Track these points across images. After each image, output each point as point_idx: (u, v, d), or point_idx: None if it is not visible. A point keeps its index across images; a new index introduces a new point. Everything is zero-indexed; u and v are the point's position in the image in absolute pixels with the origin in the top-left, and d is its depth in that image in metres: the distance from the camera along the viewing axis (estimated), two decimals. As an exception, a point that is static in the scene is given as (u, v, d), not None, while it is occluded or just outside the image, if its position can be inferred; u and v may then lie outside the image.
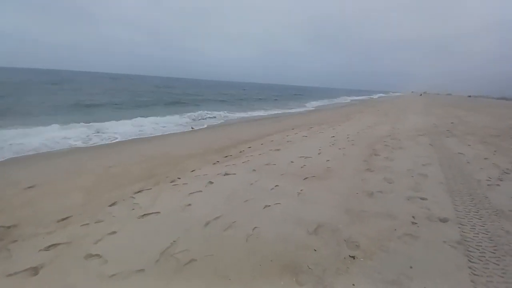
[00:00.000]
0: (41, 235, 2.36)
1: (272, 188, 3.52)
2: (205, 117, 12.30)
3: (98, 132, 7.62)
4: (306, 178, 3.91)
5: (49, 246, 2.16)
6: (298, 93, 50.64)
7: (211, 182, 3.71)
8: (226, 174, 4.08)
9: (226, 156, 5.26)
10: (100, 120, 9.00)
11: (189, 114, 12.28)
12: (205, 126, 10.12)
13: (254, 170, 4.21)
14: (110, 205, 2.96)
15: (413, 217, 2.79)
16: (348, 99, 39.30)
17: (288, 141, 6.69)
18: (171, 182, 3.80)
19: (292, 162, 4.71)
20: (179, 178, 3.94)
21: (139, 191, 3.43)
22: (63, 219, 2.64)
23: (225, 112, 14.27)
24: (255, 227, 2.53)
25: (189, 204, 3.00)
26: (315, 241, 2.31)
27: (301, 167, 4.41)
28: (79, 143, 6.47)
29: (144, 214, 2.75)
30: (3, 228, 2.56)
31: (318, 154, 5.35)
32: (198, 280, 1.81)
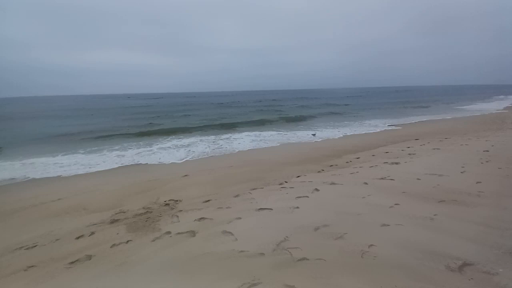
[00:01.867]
0: (194, 210, 3.27)
1: (391, 206, 3.06)
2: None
3: (228, 140, 9.60)
4: (441, 201, 3.11)
5: (200, 218, 2.95)
6: (418, 97, 40.70)
7: (317, 190, 3.72)
8: (333, 183, 3.96)
9: (331, 166, 5.10)
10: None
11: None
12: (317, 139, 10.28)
13: (365, 183, 3.83)
14: (234, 196, 3.65)
15: None
16: (505, 101, 27.36)
17: (410, 154, 5.57)
18: (279, 184, 4.16)
19: (418, 179, 3.89)
20: (286, 182, 4.24)
21: (254, 189, 4.00)
22: (206, 201, 3.53)
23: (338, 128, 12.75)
24: (371, 245, 2.30)
25: (297, 207, 3.16)
26: (459, 282, 1.80)
27: (433, 187, 3.55)
28: (211, 150, 8.41)
29: (260, 208, 3.18)
30: (174, 201, 3.74)
31: (461, 172, 4.11)
32: (312, 279, 1.89)
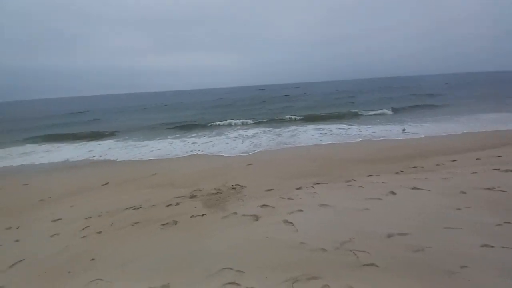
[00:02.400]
0: (258, 196, 3.47)
1: (499, 225, 2.38)
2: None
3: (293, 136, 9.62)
4: None
5: (263, 205, 3.11)
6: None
7: (393, 193, 3.27)
8: (415, 188, 3.38)
9: (414, 167, 4.35)
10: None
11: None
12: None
13: (463, 192, 3.09)
14: (296, 189, 3.64)
15: None
16: None
17: (538, 161, 4.12)
18: (345, 181, 3.86)
19: (551, 195, 2.85)
20: (354, 180, 3.90)
21: (317, 183, 3.87)
22: (269, 190, 3.68)
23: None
24: (464, 266, 1.87)
25: (367, 209, 2.87)
26: None
27: None
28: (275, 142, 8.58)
29: (323, 204, 3.06)
30: (240, 186, 4.07)
31: None
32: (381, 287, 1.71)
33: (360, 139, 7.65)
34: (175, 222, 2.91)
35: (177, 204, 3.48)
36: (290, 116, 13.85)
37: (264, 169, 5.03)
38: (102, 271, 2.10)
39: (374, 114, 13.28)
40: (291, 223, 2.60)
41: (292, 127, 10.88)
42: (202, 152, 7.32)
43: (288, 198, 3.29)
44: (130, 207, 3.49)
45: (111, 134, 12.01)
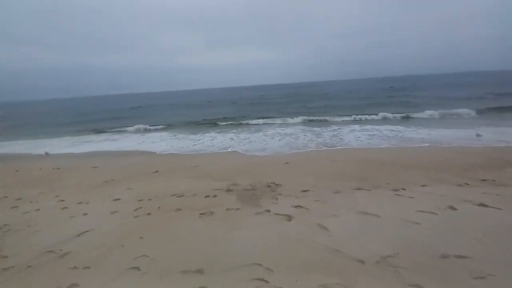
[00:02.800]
0: (292, 196, 3.41)
1: None
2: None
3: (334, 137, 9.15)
4: None
5: (297, 206, 3.05)
6: None
7: (452, 208, 2.81)
8: (482, 204, 2.84)
9: (483, 180, 3.66)
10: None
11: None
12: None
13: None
14: (334, 192, 3.45)
15: None
16: None
17: None
18: (393, 190, 3.49)
19: None
20: (404, 189, 3.48)
21: (358, 189, 3.59)
22: (304, 191, 3.57)
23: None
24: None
25: (417, 223, 2.54)
26: None
27: None
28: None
29: (364, 212, 2.83)
30: (274, 184, 4.05)
31: None
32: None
33: (417, 142, 6.78)
34: (212, 213, 3.07)
35: (215, 196, 3.67)
36: (334, 115, 13.12)
37: (301, 169, 4.90)
38: (147, 248, 2.36)
39: (440, 116, 11.51)
40: (326, 228, 2.48)
41: (335, 127, 10.30)
42: (240, 148, 7.54)
43: (325, 202, 3.14)
44: (174, 194, 3.83)
45: (163, 129, 13.33)
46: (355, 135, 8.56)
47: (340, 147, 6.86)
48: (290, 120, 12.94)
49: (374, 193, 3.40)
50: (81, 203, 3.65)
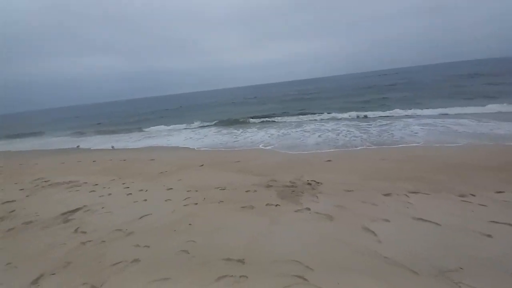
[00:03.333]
0: (334, 195, 3.26)
1: None
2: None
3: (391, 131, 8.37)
4: None
5: (339, 206, 2.90)
6: None
7: (542, 221, 2.28)
8: None
9: None
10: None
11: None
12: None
13: None
14: (384, 194, 3.15)
15: None
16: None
17: None
18: (459, 195, 3.00)
19: None
20: (473, 195, 2.97)
21: (414, 192, 3.21)
22: (348, 191, 3.37)
23: None
24: None
25: (489, 235, 2.15)
26: None
27: None
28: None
29: (420, 218, 2.52)
30: (315, 182, 3.93)
31: None
32: None
33: (494, 139, 5.66)
34: (252, 207, 3.17)
35: (255, 191, 3.77)
36: (385, 109, 11.88)
37: (345, 167, 4.62)
38: (195, 234, 2.59)
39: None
40: (373, 232, 2.30)
41: (384, 121, 9.34)
42: (280, 144, 7.51)
43: (372, 204, 2.90)
44: (218, 187, 4.07)
45: (209, 125, 14.23)
46: (411, 130, 7.61)
47: (391, 145, 6.20)
48: (334, 115, 12.26)
49: (434, 198, 2.99)
50: (141, 190, 4.21)
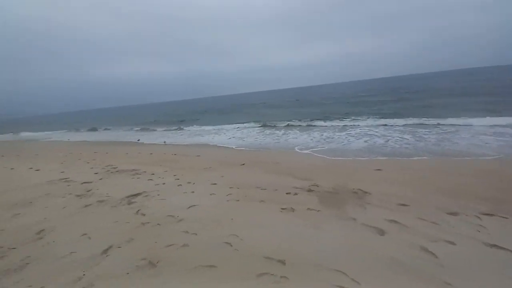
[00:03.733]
0: (385, 208, 2.99)
1: None
2: None
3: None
4: None
5: (391, 220, 2.65)
6: None
7: None
8: None
9: None
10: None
11: None
12: None
13: None
14: (448, 213, 2.75)
15: None
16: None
17: None
18: (554, 225, 2.42)
19: None
20: None
21: (487, 214, 2.72)
22: (402, 205, 3.05)
23: None
24: None
25: None
26: None
27: None
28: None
29: (494, 245, 2.13)
30: (362, 191, 3.66)
31: None
32: None
33: None
34: (293, 210, 3.14)
35: (295, 194, 3.72)
36: (446, 115, 10.34)
37: (397, 178, 4.18)
38: (236, 229, 2.70)
39: None
40: (433, 253, 2.03)
41: (445, 129, 8.13)
42: (323, 148, 7.23)
43: (432, 222, 2.57)
44: (258, 187, 4.16)
45: (251, 127, 14.63)
46: (480, 139, 6.45)
47: (455, 157, 5.36)
48: (384, 120, 11.23)
49: (516, 224, 2.48)
50: (190, 182, 4.58)
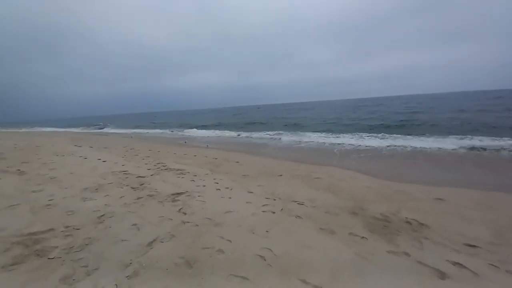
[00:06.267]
0: (448, 248, 2.51)
1: None
2: None
3: None
4: None
5: (457, 263, 2.21)
6: None
7: None
8: None
9: None
10: None
11: None
12: None
13: None
14: (539, 267, 2.16)
15: None
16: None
17: None
18: None
19: None
20: None
21: None
22: (470, 246, 2.53)
23: None
24: None
25: None
26: None
27: None
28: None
29: None
30: (418, 223, 3.18)
31: None
32: None
33: None
34: (332, 232, 2.91)
35: (337, 214, 3.45)
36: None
37: (464, 212, 3.50)
38: (271, 243, 2.62)
39: None
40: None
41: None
42: (373, 166, 6.61)
43: (507, 271, 2.04)
44: (296, 201, 4.01)
45: (299, 136, 14.48)
46: None
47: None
48: (452, 140, 9.69)
49: None
50: (227, 188, 4.71)
